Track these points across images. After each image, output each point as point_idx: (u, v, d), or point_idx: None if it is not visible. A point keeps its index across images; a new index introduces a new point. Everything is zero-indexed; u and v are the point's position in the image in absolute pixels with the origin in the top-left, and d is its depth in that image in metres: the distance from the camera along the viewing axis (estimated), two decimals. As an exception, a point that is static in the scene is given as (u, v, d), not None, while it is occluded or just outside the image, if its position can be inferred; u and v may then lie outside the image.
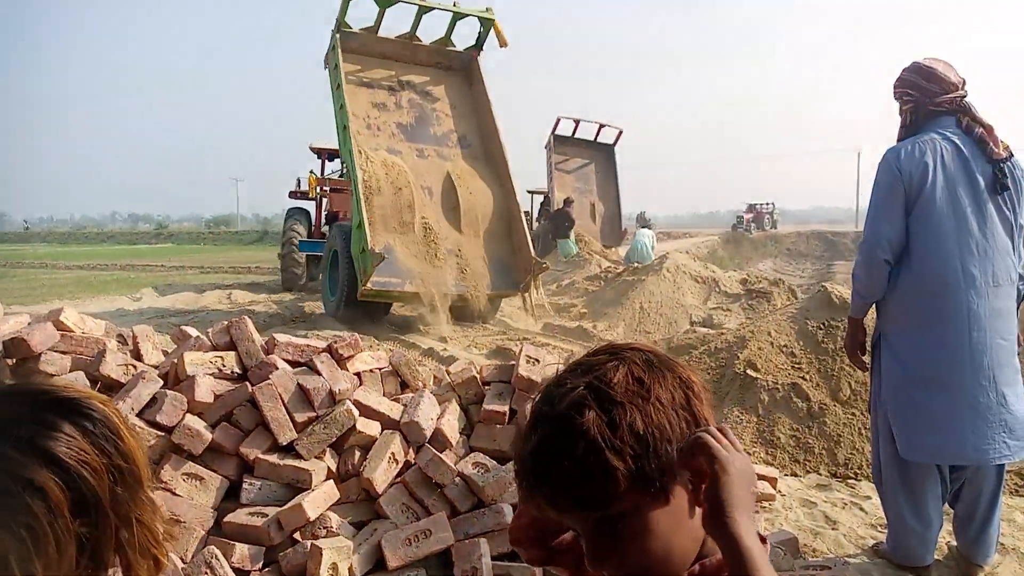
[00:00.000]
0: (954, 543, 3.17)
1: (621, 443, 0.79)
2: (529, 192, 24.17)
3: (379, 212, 8.41)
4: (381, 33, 9.54)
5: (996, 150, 2.87)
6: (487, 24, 9.71)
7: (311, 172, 14.93)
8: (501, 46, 9.84)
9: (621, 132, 22.78)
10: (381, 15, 9.33)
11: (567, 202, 18.90)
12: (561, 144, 22.02)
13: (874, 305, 3.12)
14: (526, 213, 24.42)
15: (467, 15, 9.60)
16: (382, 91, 9.44)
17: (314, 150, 14.97)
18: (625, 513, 0.82)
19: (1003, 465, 2.99)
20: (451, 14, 9.56)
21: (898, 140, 3.06)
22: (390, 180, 8.54)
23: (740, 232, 39.30)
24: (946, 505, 3.10)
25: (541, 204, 22.41)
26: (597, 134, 22.66)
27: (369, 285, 8.07)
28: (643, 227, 17.81)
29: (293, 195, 16.08)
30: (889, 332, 3.06)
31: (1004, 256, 2.90)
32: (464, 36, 10.72)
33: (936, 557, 3.14)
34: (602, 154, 22.67)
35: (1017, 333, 3.01)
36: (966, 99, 2.96)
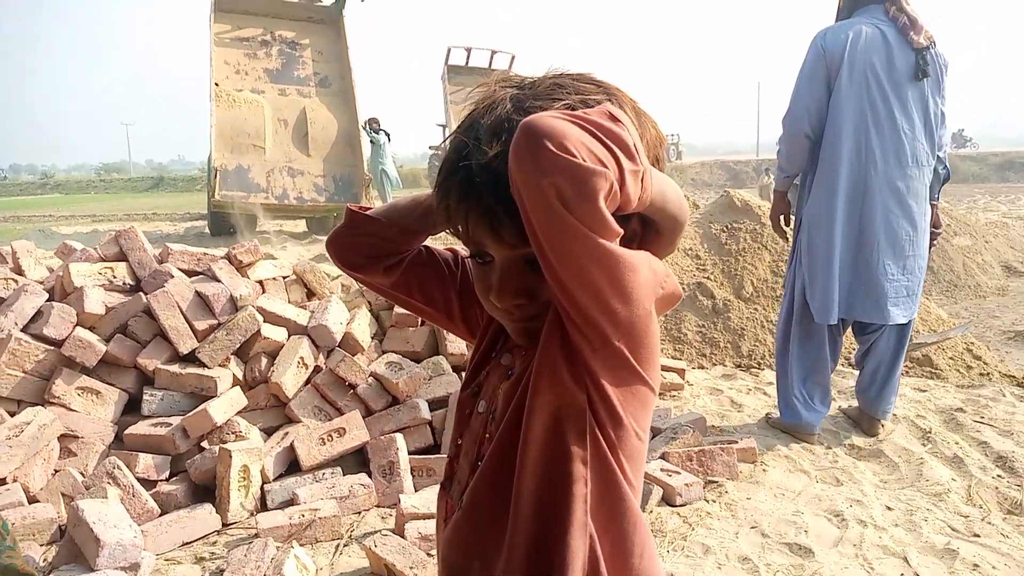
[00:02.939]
0: (849, 405, 3.44)
1: None
2: (440, 126, 23.82)
3: (233, 139, 9.97)
4: None
5: (916, 38, 2.98)
6: None
7: None
8: (360, 0, 11.36)
9: (513, 57, 22.97)
10: None
11: None
12: (455, 74, 22.11)
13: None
14: (437, 147, 24.23)
15: None
16: (255, 43, 10.95)
17: None
18: None
19: (904, 330, 3.20)
20: None
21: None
22: (246, 113, 10.14)
23: (647, 164, 39.79)
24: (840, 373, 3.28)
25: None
26: (490, 61, 22.68)
27: (217, 196, 9.62)
28: None
29: None
30: (803, 205, 3.19)
31: (914, 139, 3.04)
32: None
33: (831, 427, 3.34)
34: None
35: (932, 213, 3.19)
36: None
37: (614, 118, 0.68)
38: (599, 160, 0.63)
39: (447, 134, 21.53)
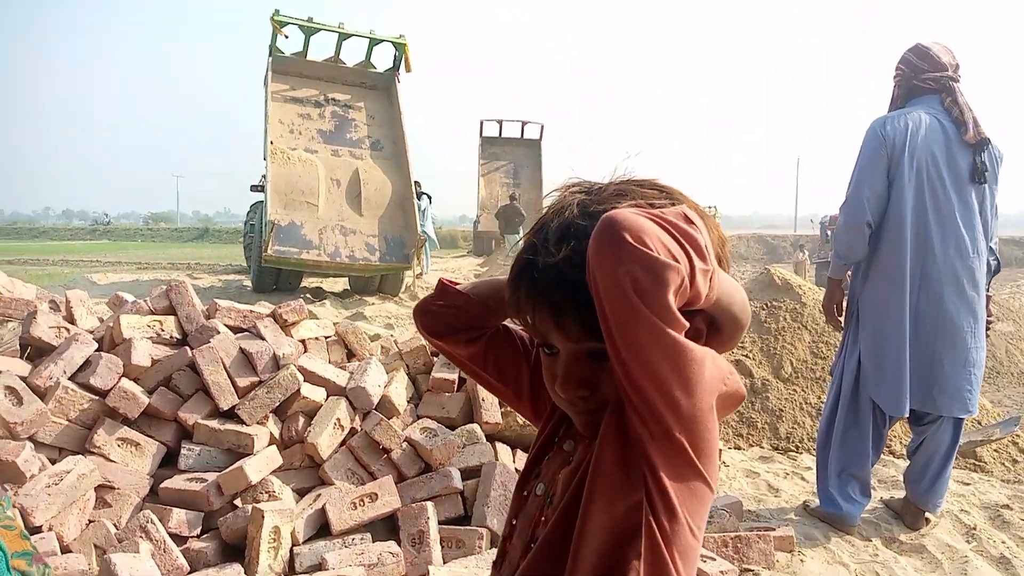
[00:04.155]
0: (891, 495, 3.32)
1: None
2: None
3: (287, 196, 9.93)
4: (310, 57, 11.31)
5: (970, 133, 2.97)
6: (401, 48, 11.44)
7: None
8: (407, 71, 11.55)
9: (543, 126, 24.68)
10: (307, 42, 11.09)
11: (512, 198, 19.19)
12: (490, 146, 24.39)
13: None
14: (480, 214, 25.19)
15: (382, 41, 11.36)
16: (309, 104, 11.23)
17: None
18: None
19: (960, 423, 3.14)
20: (369, 40, 11.37)
21: (887, 112, 3.18)
22: (300, 171, 10.17)
23: (683, 235, 39.92)
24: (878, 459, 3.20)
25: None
26: (522, 131, 24.60)
27: (270, 252, 9.40)
28: None
29: (254, 188, 17.05)
30: (859, 291, 3.16)
31: (973, 230, 3.02)
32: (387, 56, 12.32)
33: (871, 519, 3.25)
34: (528, 149, 24.55)
35: (986, 305, 3.14)
36: (953, 82, 3.05)
37: (688, 219, 0.73)
38: (673, 255, 0.67)
39: (478, 201, 22.50)
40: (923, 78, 3.06)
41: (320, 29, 11.07)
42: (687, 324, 0.69)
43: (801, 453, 4.20)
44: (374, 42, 11.46)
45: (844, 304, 3.28)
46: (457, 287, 1.04)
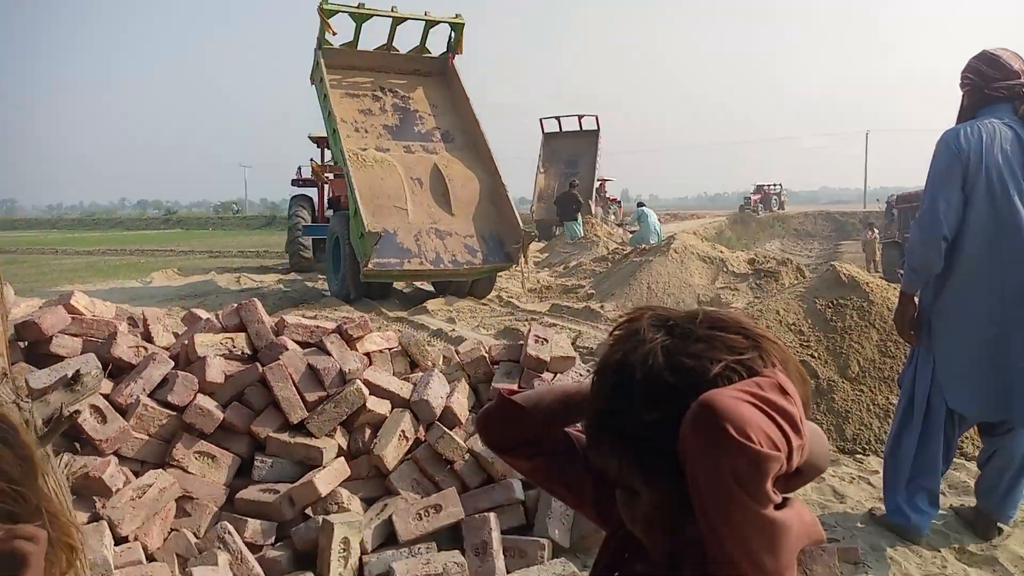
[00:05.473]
0: (961, 503, 3.29)
1: None
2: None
3: (374, 202, 9.19)
4: (360, 46, 10.74)
5: None
6: (458, 28, 10.78)
7: (311, 160, 15.44)
8: (458, 53, 10.94)
9: (597, 117, 25.45)
10: (358, 30, 10.47)
11: (572, 185, 19.18)
12: (551, 140, 25.61)
13: None
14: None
15: (438, 22, 10.76)
16: (366, 98, 10.52)
17: (313, 139, 15.43)
18: None
19: None
20: (423, 23, 10.76)
21: (956, 123, 3.08)
22: (380, 174, 9.40)
23: (747, 213, 39.23)
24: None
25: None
26: (580, 124, 25.50)
27: (370, 266, 8.73)
28: (640, 205, 18.74)
29: (295, 182, 17.05)
30: (931, 304, 3.09)
31: None
32: (436, 43, 11.43)
33: (940, 528, 3.19)
34: (587, 140, 25.40)
35: None
36: None
37: (784, 391, 0.72)
38: (774, 444, 0.67)
39: (535, 192, 23.12)
40: (994, 87, 2.94)
41: (373, 15, 10.39)
42: (779, 498, 0.71)
43: (868, 455, 4.13)
44: (430, 24, 10.82)
45: (916, 318, 3.19)
46: (516, 399, 0.99)
